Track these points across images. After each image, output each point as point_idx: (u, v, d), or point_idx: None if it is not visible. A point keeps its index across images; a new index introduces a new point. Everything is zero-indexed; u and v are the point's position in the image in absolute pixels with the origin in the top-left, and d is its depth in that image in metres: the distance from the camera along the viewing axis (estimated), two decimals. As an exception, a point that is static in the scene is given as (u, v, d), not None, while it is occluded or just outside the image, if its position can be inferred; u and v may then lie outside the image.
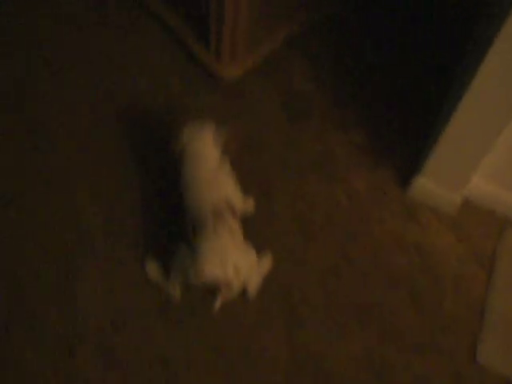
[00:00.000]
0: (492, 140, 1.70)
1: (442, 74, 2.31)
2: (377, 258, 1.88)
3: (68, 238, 1.86)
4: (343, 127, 2.17)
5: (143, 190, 1.96)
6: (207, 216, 1.62)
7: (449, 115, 1.71)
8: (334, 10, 2.52)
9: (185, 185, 1.75)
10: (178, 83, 2.25)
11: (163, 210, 1.91)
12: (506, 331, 1.76)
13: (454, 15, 2.49)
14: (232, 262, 1.55)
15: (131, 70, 2.28)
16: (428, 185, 1.95)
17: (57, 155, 2.04)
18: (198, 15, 2.18)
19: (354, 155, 2.10)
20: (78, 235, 1.86)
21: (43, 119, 2.12)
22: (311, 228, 1.92)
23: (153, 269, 1.78)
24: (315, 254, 1.87)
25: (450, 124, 1.70)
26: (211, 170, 1.74)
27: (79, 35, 2.36)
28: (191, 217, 1.68)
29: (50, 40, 2.33)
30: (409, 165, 2.06)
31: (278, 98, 2.24)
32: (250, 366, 1.67)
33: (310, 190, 2.00)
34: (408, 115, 2.22)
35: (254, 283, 1.73)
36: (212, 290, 1.58)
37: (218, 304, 1.58)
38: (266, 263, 1.79)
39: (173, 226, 1.85)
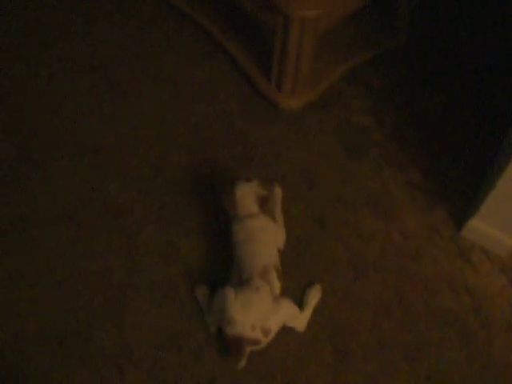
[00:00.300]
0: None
1: (503, 112, 2.30)
2: (427, 297, 1.90)
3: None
4: (400, 165, 2.20)
5: (203, 215, 2.04)
6: (254, 277, 1.72)
7: (507, 160, 1.72)
8: (394, 45, 2.56)
9: (235, 241, 1.83)
10: (240, 110, 2.33)
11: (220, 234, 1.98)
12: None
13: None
14: (261, 325, 1.64)
15: (195, 96, 2.38)
16: (482, 227, 1.96)
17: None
18: (263, 51, 2.28)
19: (409, 194, 2.13)
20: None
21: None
22: (363, 263, 1.96)
23: (202, 294, 1.84)
24: (366, 289, 1.90)
25: (507, 170, 1.71)
26: (262, 229, 1.83)
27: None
28: (239, 268, 1.78)
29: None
30: (463, 205, 2.08)
31: (336, 131, 2.29)
32: (297, 397, 1.71)
33: (364, 225, 2.04)
34: (466, 155, 2.23)
35: (300, 323, 1.79)
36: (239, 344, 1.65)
37: (243, 362, 1.66)
38: (316, 296, 1.85)
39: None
